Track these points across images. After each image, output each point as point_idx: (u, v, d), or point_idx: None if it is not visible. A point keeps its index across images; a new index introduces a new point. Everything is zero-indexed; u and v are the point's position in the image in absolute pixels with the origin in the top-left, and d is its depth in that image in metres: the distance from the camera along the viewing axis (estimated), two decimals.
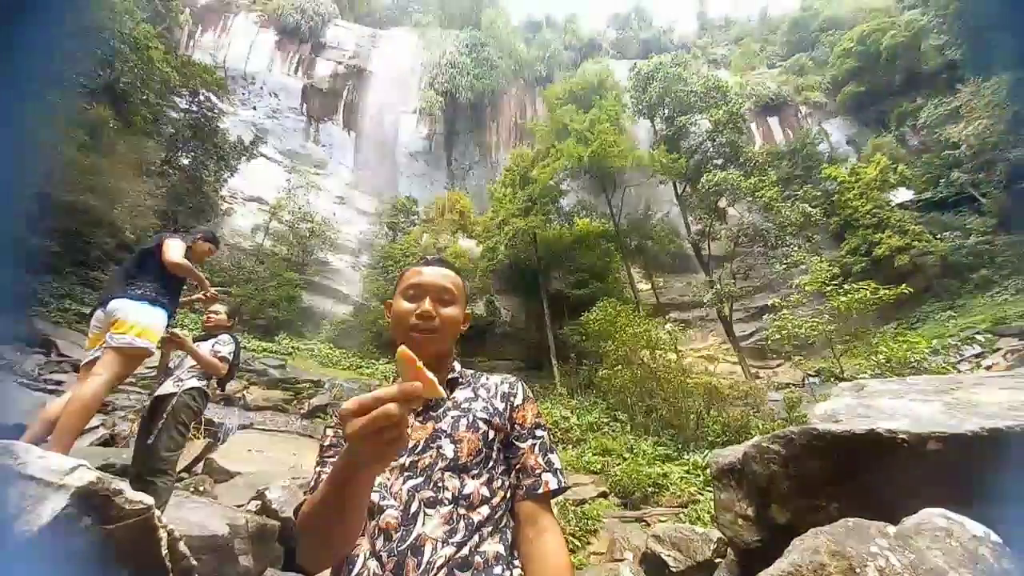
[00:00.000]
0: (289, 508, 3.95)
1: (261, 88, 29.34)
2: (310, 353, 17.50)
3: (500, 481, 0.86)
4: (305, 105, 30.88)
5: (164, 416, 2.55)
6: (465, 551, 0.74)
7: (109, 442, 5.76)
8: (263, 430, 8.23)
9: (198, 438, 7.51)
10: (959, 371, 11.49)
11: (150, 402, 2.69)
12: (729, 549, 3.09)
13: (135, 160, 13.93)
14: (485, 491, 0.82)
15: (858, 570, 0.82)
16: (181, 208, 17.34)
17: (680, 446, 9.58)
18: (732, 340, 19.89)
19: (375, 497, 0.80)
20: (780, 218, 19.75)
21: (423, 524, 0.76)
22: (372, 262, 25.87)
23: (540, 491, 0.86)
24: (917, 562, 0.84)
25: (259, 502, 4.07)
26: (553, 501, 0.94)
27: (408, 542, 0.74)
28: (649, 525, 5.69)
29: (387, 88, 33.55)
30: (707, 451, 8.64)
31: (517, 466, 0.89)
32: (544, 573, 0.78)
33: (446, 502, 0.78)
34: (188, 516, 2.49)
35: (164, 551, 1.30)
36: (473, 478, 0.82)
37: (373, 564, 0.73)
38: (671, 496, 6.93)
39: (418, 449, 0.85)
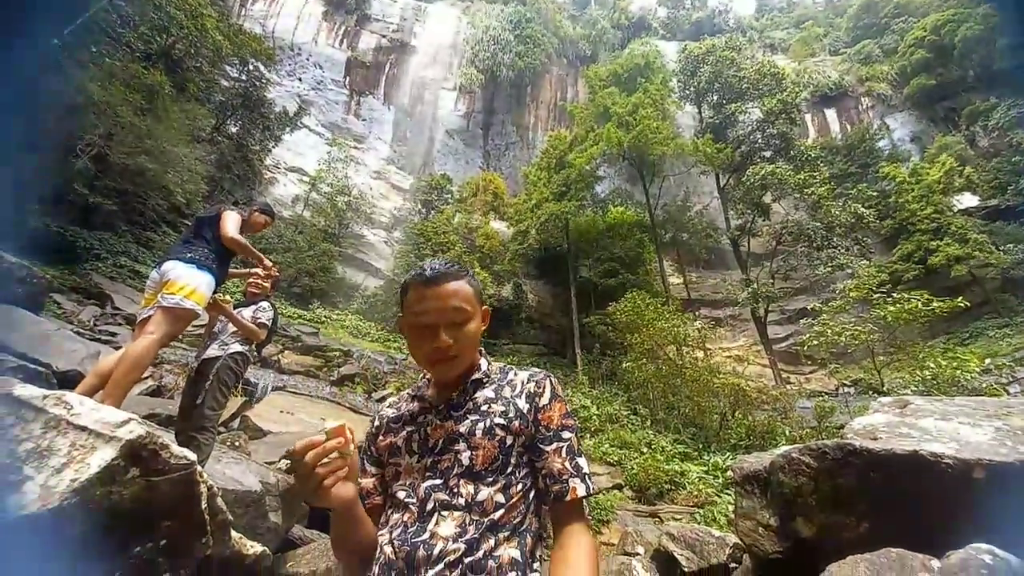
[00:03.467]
0: None
1: (307, 59, 29.82)
2: (341, 324, 18.12)
3: (520, 485, 0.85)
4: (348, 78, 31.21)
5: (210, 378, 2.71)
6: (479, 554, 0.76)
7: (156, 392, 6.19)
8: (295, 393, 8.64)
9: (236, 396, 7.98)
10: (1010, 394, 10.71)
11: (197, 364, 2.86)
12: (746, 556, 3.03)
13: (187, 126, 14.51)
14: (500, 497, 0.82)
15: None
16: (228, 175, 18.07)
17: (701, 446, 9.43)
18: (765, 342, 19.22)
19: (400, 494, 0.86)
20: (829, 217, 18.65)
21: (436, 524, 0.79)
22: (404, 238, 26.30)
23: (568, 498, 0.84)
24: None
25: (288, 461, 4.30)
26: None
27: (422, 537, 0.78)
28: (662, 521, 5.68)
29: (428, 63, 33.43)
30: (728, 453, 8.47)
31: (543, 471, 0.87)
32: (564, 569, 0.77)
33: (459, 507, 0.80)
34: (225, 470, 2.67)
35: (204, 505, 1.39)
36: (488, 485, 0.82)
37: (389, 550, 0.79)
38: (687, 495, 6.86)
39: (437, 450, 0.87)
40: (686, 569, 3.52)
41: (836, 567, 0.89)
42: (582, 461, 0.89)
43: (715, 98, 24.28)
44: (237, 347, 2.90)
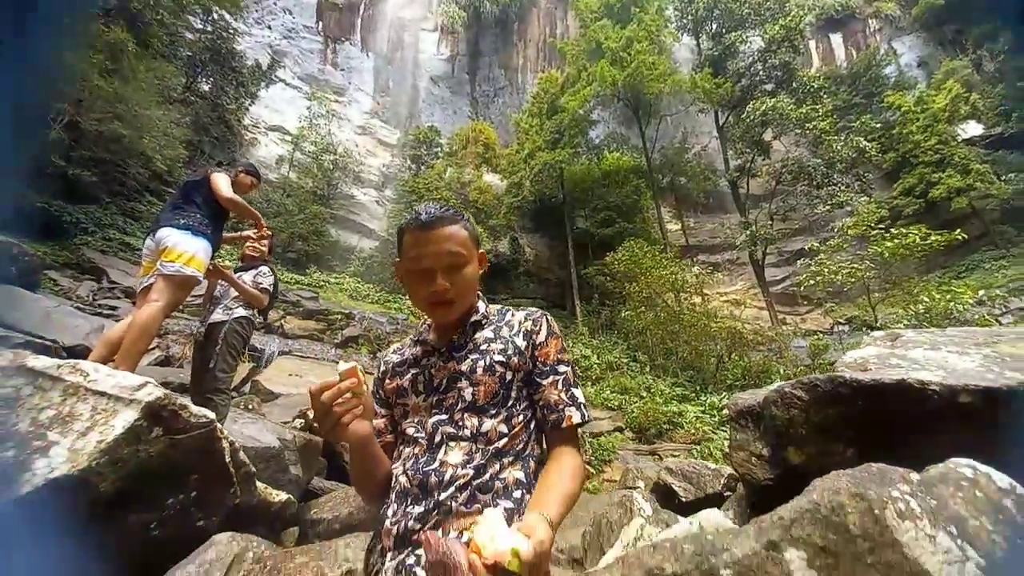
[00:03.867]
0: None
1: (275, 4, 27.69)
2: (339, 287, 18.17)
3: (521, 416, 0.91)
4: (320, 23, 29.11)
5: (219, 342, 2.77)
6: (486, 476, 0.82)
7: (165, 362, 6.32)
8: (301, 357, 8.82)
9: (244, 362, 8.15)
10: (1002, 324, 10.94)
11: (204, 329, 2.90)
12: (740, 485, 3.23)
13: (157, 86, 13.74)
14: (503, 428, 0.87)
15: (877, 512, 0.84)
16: (206, 138, 17.36)
17: (698, 388, 9.78)
18: (762, 285, 19.41)
19: (410, 430, 0.92)
20: (830, 153, 18.19)
21: (445, 453, 0.85)
22: (396, 196, 25.73)
23: (564, 425, 0.90)
24: (938, 508, 0.85)
25: (302, 420, 4.48)
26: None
27: (432, 465, 0.84)
28: (661, 459, 6.00)
29: (406, 3, 31.09)
30: (724, 393, 8.80)
31: (540, 402, 0.92)
32: (541, 481, 0.84)
33: (465, 437, 0.86)
34: (243, 429, 2.78)
35: (227, 459, 1.47)
36: (491, 417, 0.88)
37: (403, 479, 0.86)
38: (685, 434, 7.22)
39: (441, 388, 0.92)
40: (683, 499, 3.76)
41: (819, 481, 0.96)
42: (577, 392, 0.94)
43: (714, 27, 22.85)
44: (241, 311, 2.93)
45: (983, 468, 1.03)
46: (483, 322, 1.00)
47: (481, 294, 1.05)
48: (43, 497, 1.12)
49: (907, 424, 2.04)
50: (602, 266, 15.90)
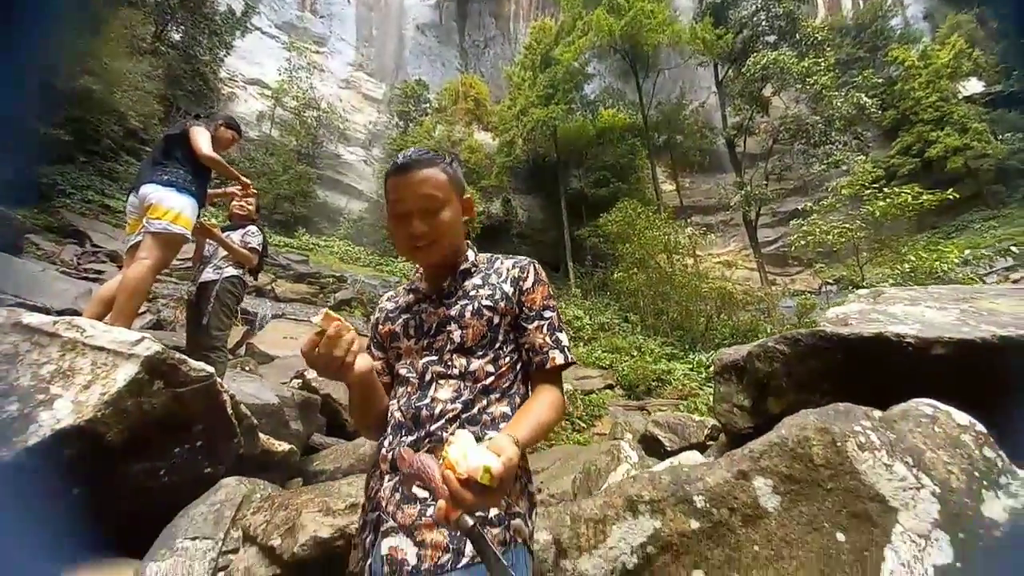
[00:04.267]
0: (327, 385, 4.43)
1: None
2: (330, 250, 17.96)
3: (508, 358, 0.95)
4: None
5: (211, 300, 2.77)
6: (474, 410, 0.88)
7: (157, 326, 6.31)
8: (295, 319, 8.84)
9: (238, 324, 8.17)
10: (985, 283, 11.19)
11: (196, 288, 2.89)
12: (722, 435, 3.39)
13: (125, 35, 12.89)
14: (490, 368, 0.92)
15: (839, 444, 0.91)
16: (180, 92, 16.47)
17: (687, 346, 10.03)
18: (754, 245, 19.52)
19: (402, 371, 0.97)
20: (830, 110, 17.81)
21: (435, 390, 0.90)
22: (384, 156, 24.97)
23: (548, 366, 0.94)
24: (896, 441, 0.92)
25: (300, 380, 4.56)
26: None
27: (424, 401, 0.89)
28: (650, 414, 6.24)
29: None
30: (712, 352, 9.04)
31: (526, 345, 0.97)
32: (523, 408, 0.88)
33: (454, 376, 0.91)
34: (242, 387, 2.84)
35: (230, 411, 1.52)
36: (478, 358, 0.92)
37: (398, 415, 0.92)
38: (673, 390, 7.48)
39: (431, 332, 0.96)
40: (668, 448, 3.96)
41: (789, 419, 1.03)
42: (562, 336, 0.98)
43: None
44: (232, 270, 2.92)
45: (944, 407, 1.10)
46: (472, 270, 1.03)
47: (471, 243, 1.07)
48: (51, 447, 1.16)
49: (883, 375, 2.14)
50: (595, 227, 15.83)
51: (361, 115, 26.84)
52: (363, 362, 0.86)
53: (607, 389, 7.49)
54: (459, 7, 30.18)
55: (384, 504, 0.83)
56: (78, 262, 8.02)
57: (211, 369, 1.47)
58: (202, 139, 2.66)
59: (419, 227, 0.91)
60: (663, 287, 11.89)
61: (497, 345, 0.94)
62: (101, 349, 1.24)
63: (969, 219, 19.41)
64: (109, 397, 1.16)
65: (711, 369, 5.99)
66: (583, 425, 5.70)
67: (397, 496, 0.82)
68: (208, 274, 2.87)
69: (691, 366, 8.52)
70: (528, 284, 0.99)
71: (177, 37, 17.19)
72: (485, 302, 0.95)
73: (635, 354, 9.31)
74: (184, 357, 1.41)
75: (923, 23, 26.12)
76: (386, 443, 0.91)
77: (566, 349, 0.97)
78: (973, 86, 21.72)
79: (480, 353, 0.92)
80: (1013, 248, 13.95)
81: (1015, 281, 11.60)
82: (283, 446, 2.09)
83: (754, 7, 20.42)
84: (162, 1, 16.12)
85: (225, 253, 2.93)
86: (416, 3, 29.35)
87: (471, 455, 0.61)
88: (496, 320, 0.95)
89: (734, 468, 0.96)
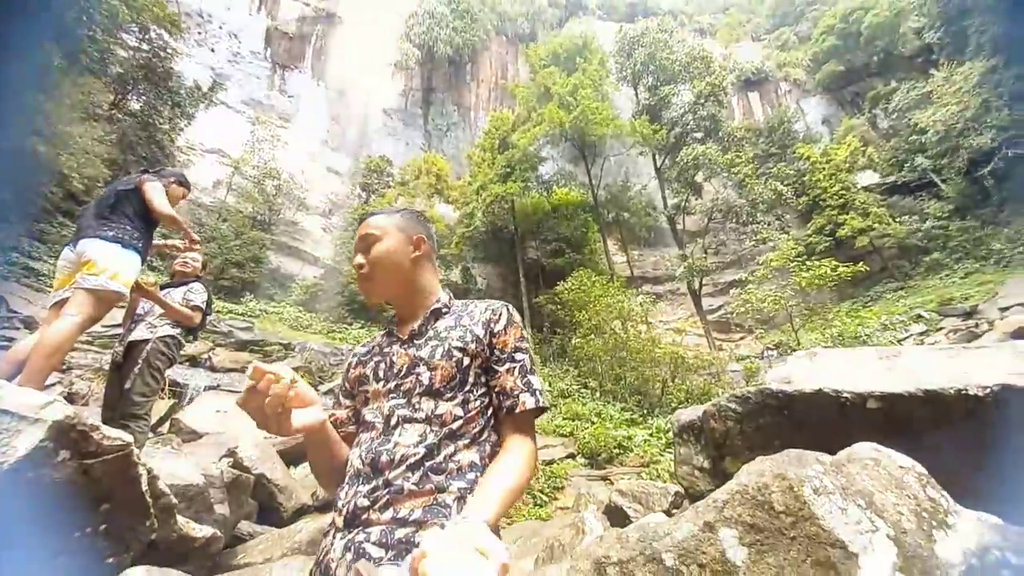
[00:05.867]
0: (262, 465, 3.97)
1: (219, 28, 26.97)
2: (279, 317, 17.12)
3: (478, 402, 0.91)
4: (269, 50, 28.71)
5: (139, 362, 2.49)
6: (439, 457, 0.82)
7: (68, 399, 5.56)
8: (231, 391, 8.11)
9: (163, 397, 7.36)
10: (903, 345, 12.38)
11: (123, 348, 2.62)
12: (685, 501, 3.33)
13: (81, 102, 12.76)
14: (459, 411, 0.88)
15: (796, 489, 0.92)
16: (133, 157, 16.13)
17: (645, 411, 10.07)
18: (700, 313, 20.68)
19: (368, 416, 0.92)
20: (753, 195, 20.26)
21: (399, 435, 0.85)
22: (344, 224, 25.08)
23: (518, 410, 0.90)
24: (847, 484, 0.95)
25: (231, 459, 4.06)
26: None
27: (386, 446, 0.84)
28: (613, 483, 6.04)
29: (359, 37, 31.50)
30: (670, 417, 9.10)
31: (496, 388, 0.93)
32: (489, 470, 0.82)
33: (420, 419, 0.86)
34: (161, 465, 2.47)
35: (144, 487, 1.31)
36: (447, 401, 0.88)
37: (357, 462, 0.86)
38: (634, 457, 7.35)
39: (401, 374, 0.93)
40: (634, 519, 3.80)
41: (747, 466, 1.04)
42: (534, 379, 0.94)
43: (650, 80, 25.14)
44: (167, 329, 2.68)
45: (884, 450, 1.16)
46: (444, 311, 1.02)
47: (446, 287, 1.09)
48: None
49: (825, 428, 2.26)
50: (553, 295, 16.26)
51: (323, 185, 27.28)
52: (308, 416, 0.82)
53: (568, 459, 7.23)
54: (424, 95, 32.73)
55: (334, 566, 0.74)
56: None
57: (128, 438, 1.29)
58: (159, 196, 2.57)
59: (357, 262, 0.99)
60: (620, 353, 12.14)
61: (467, 388, 0.90)
62: (5, 412, 1.06)
63: (881, 290, 21.79)
64: (7, 467, 0.98)
65: (670, 434, 5.98)
66: (545, 499, 5.39)
67: (349, 556, 0.73)
68: (140, 332, 2.62)
69: (651, 431, 8.48)
70: (500, 326, 0.97)
71: (137, 106, 17.20)
72: (455, 343, 0.93)
73: (596, 420, 9.18)
74: (97, 424, 1.23)
75: (822, 126, 31.24)
76: (342, 494, 0.83)
77: (538, 392, 0.93)
78: (869, 177, 25.63)
79: (448, 396, 0.89)
80: (923, 314, 15.73)
81: (931, 344, 12.89)
82: (204, 531, 1.79)
83: (683, 110, 23.66)
84: (126, 72, 16.31)
85: (162, 311, 2.72)
86: (384, 90, 31.54)
87: (455, 569, 0.49)
88: (466, 362, 0.92)
89: (700, 520, 0.94)
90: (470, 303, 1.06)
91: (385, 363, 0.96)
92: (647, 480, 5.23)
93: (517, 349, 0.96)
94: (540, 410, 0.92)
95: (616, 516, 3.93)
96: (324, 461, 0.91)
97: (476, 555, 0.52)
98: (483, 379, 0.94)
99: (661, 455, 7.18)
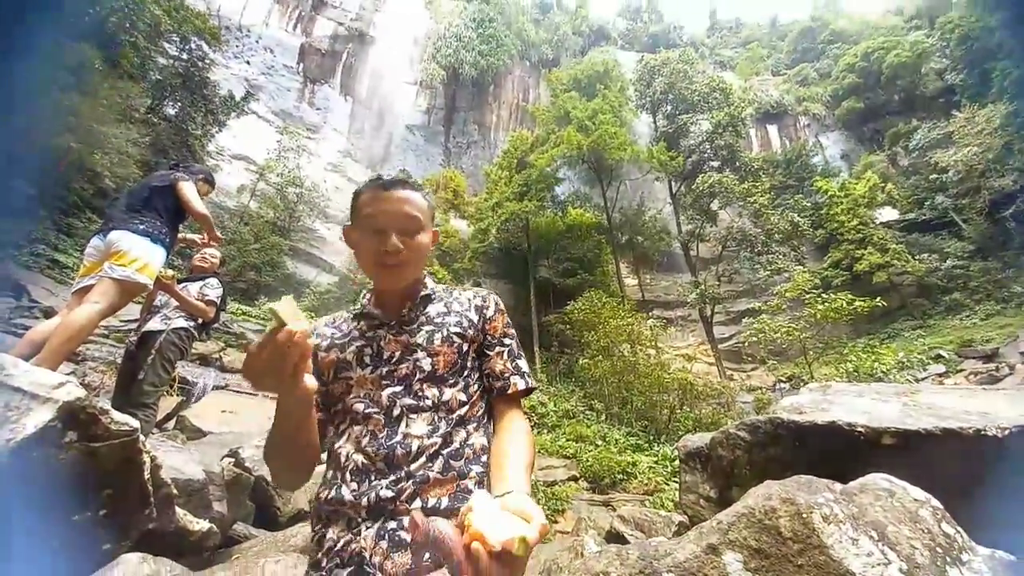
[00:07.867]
0: (262, 467, 3.96)
1: (256, 42, 28.23)
2: None
3: (476, 385, 0.94)
4: (301, 64, 29.89)
5: (152, 352, 2.54)
6: (455, 444, 0.83)
7: None
8: (239, 392, 8.16)
9: (172, 395, 7.44)
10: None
11: (137, 338, 2.67)
12: (689, 531, 3.21)
13: (119, 105, 13.36)
14: (462, 396, 0.89)
15: (804, 515, 0.89)
16: (164, 160, 16.77)
17: (651, 438, 9.84)
18: (711, 341, 20.33)
19: (360, 406, 0.86)
20: (769, 225, 20.09)
21: (407, 426, 0.83)
22: None
23: (509, 392, 0.93)
24: (859, 514, 0.91)
25: (231, 460, 4.06)
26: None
27: (395, 439, 0.81)
28: (615, 509, 5.88)
29: (388, 55, 32.67)
30: (677, 443, 8.89)
31: (487, 371, 0.96)
32: (500, 451, 0.83)
33: (427, 408, 0.85)
34: (164, 458, 2.50)
35: (146, 476, 1.31)
36: (450, 387, 0.89)
37: (360, 457, 0.81)
38: (638, 484, 7.15)
39: (394, 360, 0.90)
40: None
41: (754, 489, 1.01)
42: (522, 363, 0.99)
43: (669, 108, 25.46)
44: (181, 322, 2.74)
45: (899, 482, 1.12)
46: (432, 297, 1.01)
47: (430, 273, 1.08)
48: None
49: (836, 461, 2.18)
50: (562, 314, 16.19)
51: (343, 195, 27.89)
52: (312, 380, 0.73)
53: (571, 481, 7.07)
54: (447, 114, 33.57)
55: (367, 555, 0.72)
56: (9, 317, 7.37)
57: (135, 423, 1.30)
58: (196, 197, 2.70)
59: (395, 244, 0.88)
60: (627, 376, 11.96)
61: (466, 373, 0.93)
62: (17, 390, 1.08)
63: (899, 327, 21.24)
64: (15, 445, 0.99)
65: (675, 462, 5.82)
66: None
67: (384, 544, 0.72)
68: (154, 324, 2.68)
69: (656, 459, 8.27)
70: (491, 312, 1.01)
71: (172, 111, 17.96)
72: (454, 329, 0.94)
73: (600, 443, 9.00)
74: (107, 408, 1.25)
75: (840, 161, 31.14)
76: (348, 489, 0.79)
77: (526, 375, 0.97)
78: (888, 214, 25.32)
79: (451, 381, 0.89)
80: (943, 354, 15.27)
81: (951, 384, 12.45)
82: (201, 525, 1.79)
83: (700, 138, 23.83)
84: (164, 79, 17.10)
85: (177, 304, 2.79)
86: (408, 107, 32.47)
87: (500, 524, 0.55)
88: (465, 347, 0.94)
89: (703, 542, 0.91)
90: (452, 290, 1.07)
91: (371, 349, 0.91)
92: (650, 508, 5.08)
93: (505, 334, 1.00)
94: (528, 390, 0.96)
95: (617, 543, 3.81)
96: (298, 438, 0.80)
97: (515, 516, 0.57)
98: (477, 362, 0.97)
99: (666, 483, 6.98)
